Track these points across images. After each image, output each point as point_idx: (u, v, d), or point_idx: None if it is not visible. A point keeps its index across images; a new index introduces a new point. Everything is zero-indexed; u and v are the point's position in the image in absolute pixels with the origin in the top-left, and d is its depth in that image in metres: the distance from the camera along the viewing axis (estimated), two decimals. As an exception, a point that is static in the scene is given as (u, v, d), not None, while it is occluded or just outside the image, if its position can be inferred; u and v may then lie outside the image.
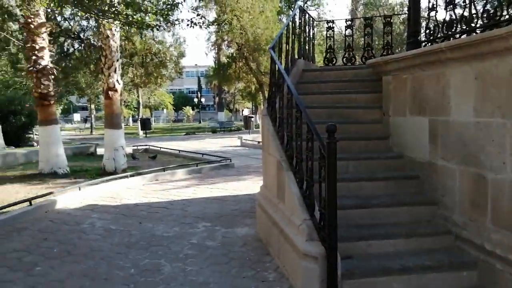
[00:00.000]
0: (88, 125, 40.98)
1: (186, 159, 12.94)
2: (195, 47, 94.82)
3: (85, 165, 11.36)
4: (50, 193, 7.10)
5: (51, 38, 11.88)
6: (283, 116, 4.36)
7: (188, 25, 8.79)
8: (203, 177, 9.96)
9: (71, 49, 17.08)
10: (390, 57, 4.85)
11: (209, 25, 12.17)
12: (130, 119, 47.52)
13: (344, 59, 6.83)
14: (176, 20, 9.03)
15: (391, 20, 6.88)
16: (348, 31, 6.99)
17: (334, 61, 7.02)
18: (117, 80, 10.20)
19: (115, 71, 10.14)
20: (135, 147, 15.93)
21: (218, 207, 6.81)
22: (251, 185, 8.62)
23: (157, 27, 8.64)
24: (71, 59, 17.12)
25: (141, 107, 34.60)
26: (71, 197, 7.21)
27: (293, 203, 3.76)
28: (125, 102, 36.75)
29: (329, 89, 5.75)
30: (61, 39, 15.63)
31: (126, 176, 9.07)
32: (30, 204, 6.44)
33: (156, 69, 25.74)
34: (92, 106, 37.52)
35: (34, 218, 6.09)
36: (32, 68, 9.64)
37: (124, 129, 11.23)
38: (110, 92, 10.12)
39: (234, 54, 24.02)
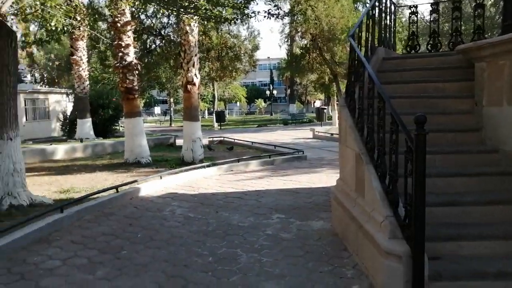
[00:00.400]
0: (167, 117, 43.28)
1: (258, 151, 13.07)
2: (268, 40, 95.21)
3: (166, 155, 11.94)
4: (135, 181, 7.56)
5: (135, 35, 12.62)
6: (363, 107, 4.16)
7: (265, 16, 8.74)
8: (275, 169, 9.99)
9: (153, 46, 18.03)
10: (485, 42, 4.40)
11: (285, 15, 12.05)
12: (206, 112, 49.16)
13: (429, 45, 6.37)
14: (252, 13, 9.09)
15: (483, 2, 6.26)
16: (434, 16, 6.51)
17: (418, 48, 6.58)
18: (195, 74, 10.53)
19: (193, 66, 10.48)
20: (211, 139, 16.44)
21: (291, 199, 6.77)
22: (324, 178, 8.46)
23: (234, 20, 8.74)
24: (153, 55, 18.12)
25: (216, 100, 35.62)
26: (153, 185, 7.63)
27: (374, 198, 3.58)
28: (201, 96, 38.08)
29: (413, 78, 5.38)
30: (144, 36, 16.55)
31: (203, 167, 9.41)
32: (117, 191, 6.91)
33: (231, 62, 26.28)
34: (172, 100, 39.47)
35: (121, 204, 6.52)
36: (118, 64, 10.31)
37: (201, 122, 11.59)
38: (188, 86, 10.48)
39: (308, 45, 23.71)
